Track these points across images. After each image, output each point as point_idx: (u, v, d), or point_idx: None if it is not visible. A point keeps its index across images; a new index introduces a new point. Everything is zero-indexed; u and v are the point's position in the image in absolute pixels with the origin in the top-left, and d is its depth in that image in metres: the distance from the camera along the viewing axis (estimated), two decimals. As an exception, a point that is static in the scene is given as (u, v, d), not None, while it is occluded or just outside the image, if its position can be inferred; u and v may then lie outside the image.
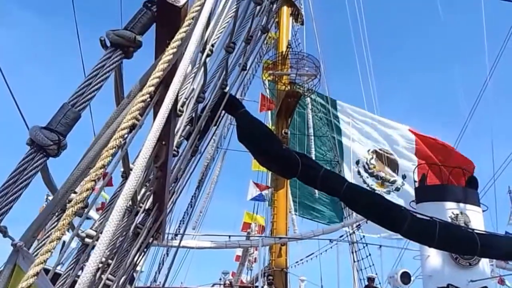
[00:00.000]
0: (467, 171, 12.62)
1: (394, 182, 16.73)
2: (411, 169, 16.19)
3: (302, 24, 20.63)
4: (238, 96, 8.51)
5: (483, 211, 10.95)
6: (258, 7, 4.63)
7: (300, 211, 19.43)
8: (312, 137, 18.68)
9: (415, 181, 13.95)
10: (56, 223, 1.99)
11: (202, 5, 2.26)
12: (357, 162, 17.19)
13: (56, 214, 2.03)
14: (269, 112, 20.33)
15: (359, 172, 17.02)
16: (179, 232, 16.71)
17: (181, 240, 14.62)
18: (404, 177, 16.64)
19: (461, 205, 10.36)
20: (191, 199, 18.34)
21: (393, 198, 15.41)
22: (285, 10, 19.17)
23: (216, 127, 5.76)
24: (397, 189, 16.58)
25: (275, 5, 5.87)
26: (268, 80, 19.21)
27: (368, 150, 17.30)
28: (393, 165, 16.94)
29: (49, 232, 1.95)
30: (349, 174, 16.57)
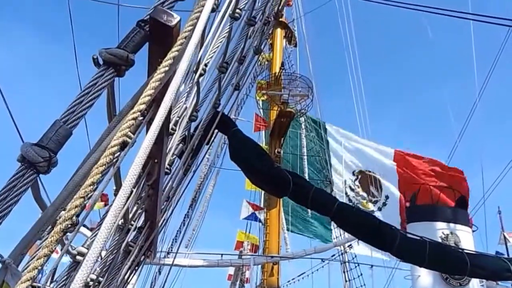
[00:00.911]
0: (457, 191, 12.66)
1: (376, 202, 16.85)
2: (395, 190, 16.34)
3: (296, 46, 20.83)
4: (232, 116, 8.55)
5: (473, 231, 10.98)
6: (251, 28, 4.69)
7: (293, 227, 19.40)
8: (305, 157, 18.73)
9: (408, 201, 13.96)
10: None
11: (194, 25, 2.29)
12: (344, 182, 17.33)
13: (47, 231, 2.03)
14: (263, 131, 20.37)
15: (346, 193, 17.14)
16: (171, 250, 16.56)
17: (174, 258, 14.48)
18: (387, 197, 16.75)
19: (451, 225, 10.38)
20: (184, 217, 18.25)
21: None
22: (279, 32, 19.34)
23: (209, 145, 5.77)
24: (379, 209, 16.67)
25: (268, 27, 5.95)
26: (262, 100, 19.29)
27: (354, 171, 17.49)
28: (377, 185, 17.07)
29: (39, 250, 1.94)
30: (340, 194, 16.65)
